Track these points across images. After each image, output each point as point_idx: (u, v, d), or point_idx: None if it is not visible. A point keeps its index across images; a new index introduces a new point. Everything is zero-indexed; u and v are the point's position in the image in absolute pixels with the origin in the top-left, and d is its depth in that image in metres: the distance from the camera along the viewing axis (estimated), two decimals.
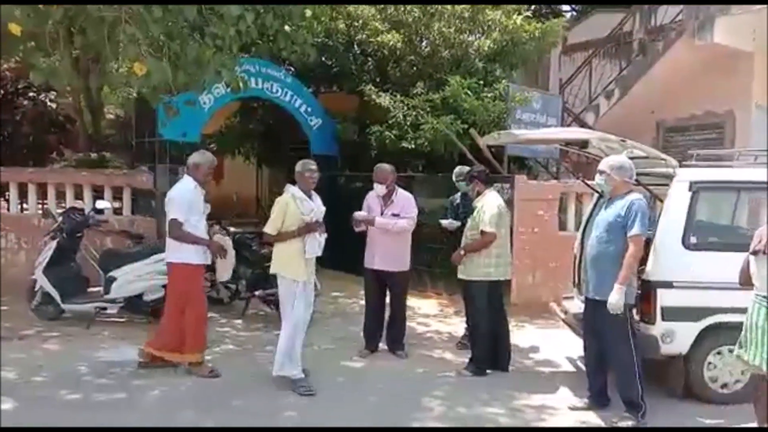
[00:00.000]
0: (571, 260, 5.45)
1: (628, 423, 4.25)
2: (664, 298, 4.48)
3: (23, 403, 4.37)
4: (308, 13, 6.49)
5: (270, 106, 10.21)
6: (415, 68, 9.41)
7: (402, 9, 9.46)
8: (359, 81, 9.45)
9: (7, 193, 8.85)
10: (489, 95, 8.60)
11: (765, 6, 8.71)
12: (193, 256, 4.94)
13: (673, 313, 4.48)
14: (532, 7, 11.51)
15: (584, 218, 5.41)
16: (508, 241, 5.34)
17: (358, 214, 5.61)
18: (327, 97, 10.67)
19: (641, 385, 4.24)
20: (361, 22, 9.71)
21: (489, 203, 5.19)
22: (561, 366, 5.66)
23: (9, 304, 6.86)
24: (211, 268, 5.61)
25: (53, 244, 6.39)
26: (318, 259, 4.96)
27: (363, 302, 5.94)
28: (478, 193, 5.34)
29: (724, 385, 4.65)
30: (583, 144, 5.51)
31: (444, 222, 6.08)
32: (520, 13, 9.60)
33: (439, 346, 6.14)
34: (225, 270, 5.64)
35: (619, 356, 4.30)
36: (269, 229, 4.79)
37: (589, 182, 5.63)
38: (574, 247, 5.34)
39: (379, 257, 5.61)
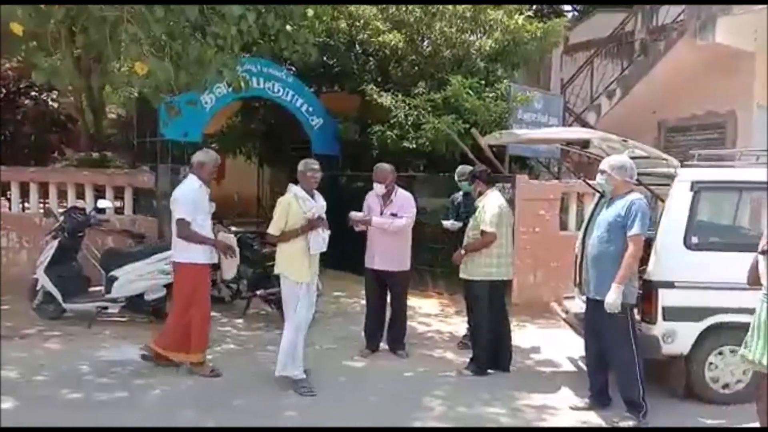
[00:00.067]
0: (573, 260, 5.45)
1: (629, 423, 4.25)
2: (666, 298, 4.47)
3: (24, 402, 4.37)
4: (310, 12, 6.49)
5: (271, 105, 10.22)
6: (416, 68, 9.41)
7: (403, 9, 9.46)
8: (361, 81, 9.45)
9: (8, 193, 8.86)
10: (490, 95, 8.60)
11: (766, 6, 8.70)
12: (200, 255, 4.94)
13: (675, 313, 4.47)
14: (534, 6, 11.51)
15: (585, 218, 5.41)
16: (510, 241, 5.33)
17: (354, 214, 5.62)
18: (328, 96, 10.67)
19: (642, 385, 4.24)
20: (362, 21, 9.71)
21: (490, 203, 5.19)
22: (562, 366, 5.65)
23: (10, 303, 6.87)
24: (215, 267, 5.61)
25: (55, 243, 6.39)
26: (320, 258, 4.96)
27: (364, 302, 5.95)
28: (480, 193, 5.35)
29: (726, 386, 4.65)
30: (585, 144, 5.51)
31: (446, 223, 6.07)
32: (521, 13, 9.59)
33: (440, 345, 6.14)
34: (230, 269, 5.65)
35: (620, 356, 4.30)
36: (273, 230, 4.78)
37: (590, 182, 5.63)
38: (575, 246, 5.34)
39: (378, 257, 5.61)
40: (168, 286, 6.17)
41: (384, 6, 9.62)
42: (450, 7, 9.32)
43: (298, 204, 4.75)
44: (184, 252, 4.92)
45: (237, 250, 5.34)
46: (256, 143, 11.69)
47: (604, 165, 4.38)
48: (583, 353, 4.89)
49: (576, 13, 16.37)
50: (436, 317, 7.24)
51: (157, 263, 6.29)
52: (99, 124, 13.45)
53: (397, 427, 4.26)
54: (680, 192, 4.60)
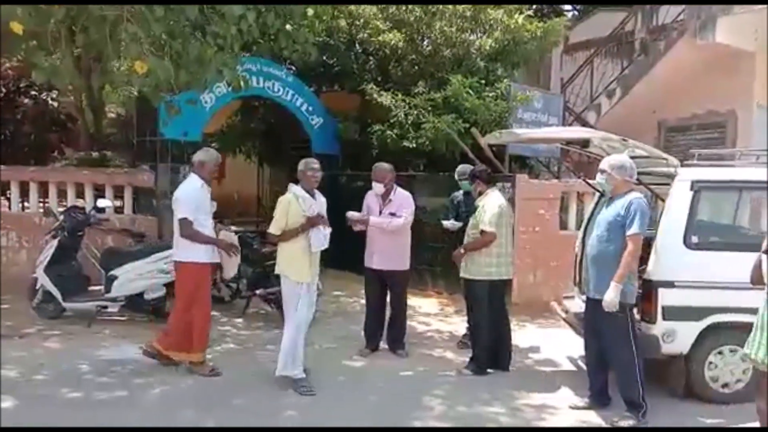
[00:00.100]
0: (572, 259, 5.45)
1: (629, 422, 4.25)
2: (665, 297, 4.48)
3: (24, 402, 4.37)
4: (310, 12, 6.49)
5: (271, 105, 10.20)
6: (416, 67, 9.40)
7: (403, 8, 9.44)
8: (360, 80, 9.44)
9: (8, 192, 8.86)
10: (490, 94, 8.59)
11: (766, 6, 8.70)
12: (202, 254, 4.94)
13: (675, 313, 4.48)
14: (534, 6, 11.50)
15: (585, 217, 5.41)
16: (510, 240, 5.33)
17: (351, 214, 5.61)
18: (328, 96, 10.66)
19: (642, 384, 4.24)
20: (362, 21, 9.69)
21: (490, 203, 5.19)
22: (562, 365, 5.66)
23: (10, 303, 6.87)
24: (216, 266, 5.61)
25: (54, 242, 6.40)
26: (320, 258, 4.96)
27: (364, 301, 5.94)
28: (480, 193, 5.34)
29: (725, 385, 4.65)
30: (585, 143, 5.51)
31: (446, 223, 6.07)
32: (521, 13, 9.58)
33: (440, 345, 6.15)
34: (232, 267, 5.65)
35: (620, 356, 4.30)
36: (273, 229, 4.78)
37: (590, 181, 5.63)
38: (575, 246, 5.34)
39: (378, 256, 5.61)
40: (168, 286, 6.18)
41: (384, 5, 9.62)
42: (450, 6, 9.31)
43: (299, 203, 4.75)
44: (186, 251, 4.92)
45: (239, 248, 5.35)
46: (256, 142, 11.67)
47: (604, 164, 4.39)
48: (582, 353, 4.89)
49: (576, 13, 16.36)
50: (435, 317, 7.24)
51: (157, 262, 6.29)
52: (99, 124, 13.42)
53: (397, 427, 4.26)
54: (680, 191, 4.60)
